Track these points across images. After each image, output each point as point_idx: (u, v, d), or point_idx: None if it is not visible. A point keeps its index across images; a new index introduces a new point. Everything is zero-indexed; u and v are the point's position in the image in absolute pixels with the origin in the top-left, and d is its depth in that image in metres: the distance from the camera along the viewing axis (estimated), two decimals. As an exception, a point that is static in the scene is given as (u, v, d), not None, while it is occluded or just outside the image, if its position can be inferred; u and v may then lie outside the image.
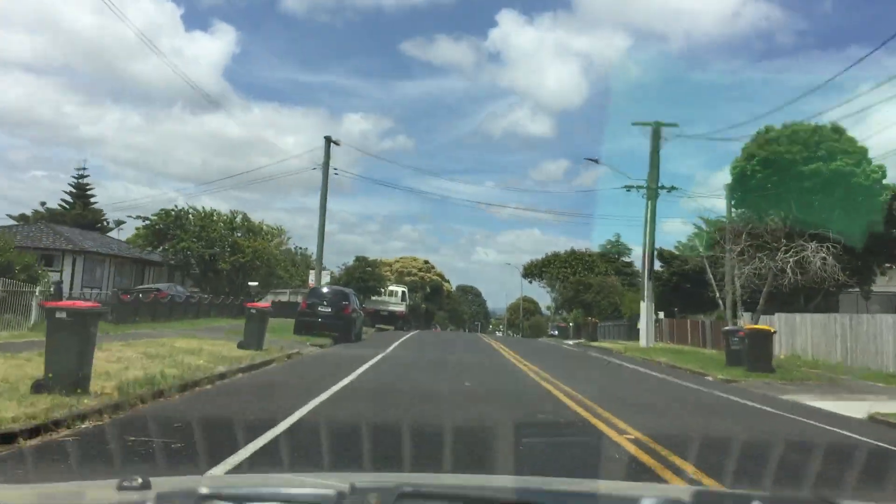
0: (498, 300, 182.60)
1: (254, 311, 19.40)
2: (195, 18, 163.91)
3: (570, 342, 47.66)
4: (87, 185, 60.20)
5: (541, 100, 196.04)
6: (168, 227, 43.83)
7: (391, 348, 24.59)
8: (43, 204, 61.20)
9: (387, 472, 5.80)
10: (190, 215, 44.76)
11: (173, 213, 44.53)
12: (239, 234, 46.45)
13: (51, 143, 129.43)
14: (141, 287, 39.26)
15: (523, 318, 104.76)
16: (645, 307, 36.35)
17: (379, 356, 20.38)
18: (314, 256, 41.39)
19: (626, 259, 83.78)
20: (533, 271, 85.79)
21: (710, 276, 37.51)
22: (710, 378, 20.16)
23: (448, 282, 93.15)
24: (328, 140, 39.08)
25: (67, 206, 58.09)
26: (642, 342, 35.84)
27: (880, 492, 6.68)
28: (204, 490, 2.09)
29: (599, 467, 7.28)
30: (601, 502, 2.56)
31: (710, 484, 6.57)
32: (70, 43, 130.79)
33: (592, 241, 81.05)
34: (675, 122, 42.31)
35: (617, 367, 24.05)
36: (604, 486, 3.34)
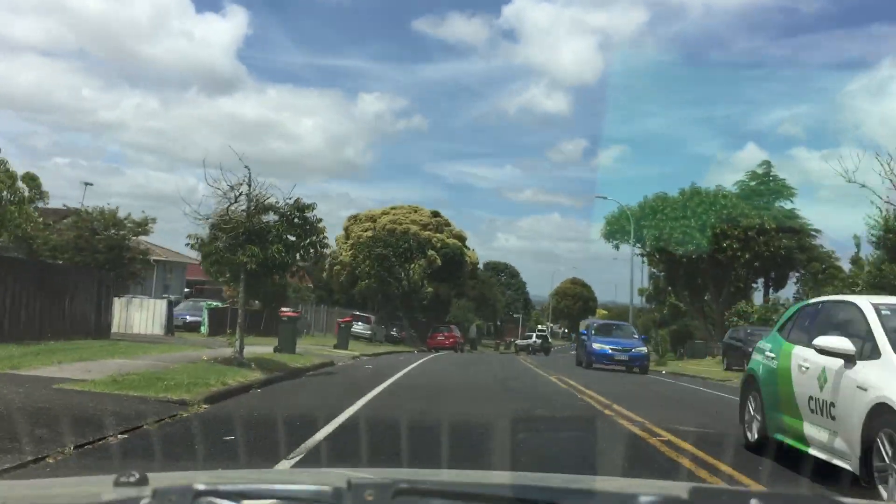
0: (539, 287, 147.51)
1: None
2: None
3: None
4: None
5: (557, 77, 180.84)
6: None
7: None
8: None
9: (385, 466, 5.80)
10: None
11: None
12: None
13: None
14: None
15: (576, 307, 71.01)
16: None
17: None
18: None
19: (787, 205, 47.72)
20: (616, 230, 49.60)
21: None
22: None
23: (472, 250, 57.62)
24: None
25: None
26: None
27: None
28: (200, 486, 1.95)
29: None
30: (599, 499, 2.45)
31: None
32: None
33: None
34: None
35: None
36: (602, 482, 3.34)
